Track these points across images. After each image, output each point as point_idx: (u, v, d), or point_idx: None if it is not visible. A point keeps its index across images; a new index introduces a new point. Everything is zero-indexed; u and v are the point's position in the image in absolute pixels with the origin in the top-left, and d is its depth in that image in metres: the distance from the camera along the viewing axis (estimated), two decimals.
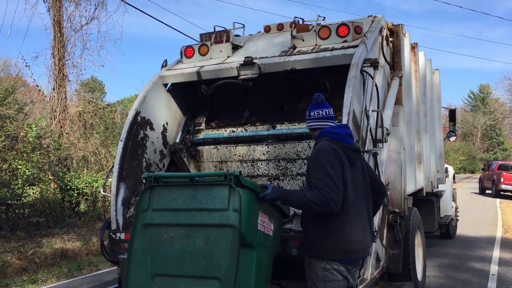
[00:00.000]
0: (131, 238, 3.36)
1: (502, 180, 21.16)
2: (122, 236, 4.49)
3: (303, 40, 5.22)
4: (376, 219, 4.23)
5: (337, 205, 3.10)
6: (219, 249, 3.06)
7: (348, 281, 3.31)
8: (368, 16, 5.80)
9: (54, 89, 14.26)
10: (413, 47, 7.16)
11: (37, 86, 15.56)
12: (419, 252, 6.11)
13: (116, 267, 4.86)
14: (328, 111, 3.51)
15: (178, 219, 3.26)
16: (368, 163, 3.90)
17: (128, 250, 3.37)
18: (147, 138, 5.22)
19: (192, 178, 3.35)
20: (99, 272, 8.47)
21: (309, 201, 3.12)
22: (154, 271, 3.20)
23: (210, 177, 3.36)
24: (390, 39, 5.94)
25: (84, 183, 12.67)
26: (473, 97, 70.26)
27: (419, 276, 5.96)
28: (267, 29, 6.13)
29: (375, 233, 4.14)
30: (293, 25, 5.48)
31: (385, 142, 4.85)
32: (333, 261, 3.23)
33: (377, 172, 4.38)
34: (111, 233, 4.56)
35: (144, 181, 3.51)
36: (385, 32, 5.69)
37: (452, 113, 11.23)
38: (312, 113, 3.51)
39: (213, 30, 5.78)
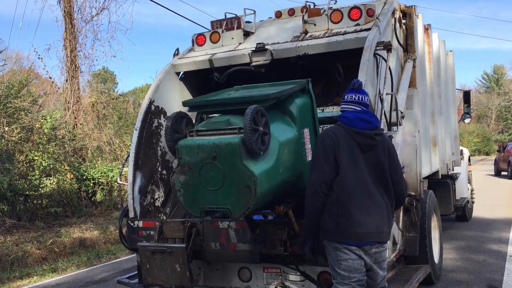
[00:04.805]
0: None
1: None
2: (140, 224, 4.53)
3: (314, 25, 5.18)
4: None
5: (321, 186, 3.25)
6: None
7: (364, 261, 3.29)
8: None
9: (67, 80, 14.36)
10: (427, 28, 7.07)
11: (50, 78, 15.69)
12: (435, 235, 6.10)
13: (134, 255, 4.92)
14: (361, 96, 3.52)
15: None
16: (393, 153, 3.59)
17: None
18: (161, 127, 5.24)
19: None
20: (118, 260, 8.60)
21: (306, 207, 3.34)
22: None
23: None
24: (403, 21, 5.85)
25: (99, 173, 12.80)
26: (487, 78, 69.21)
27: (436, 258, 5.96)
28: (278, 14, 6.08)
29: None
30: (304, 10, 5.43)
31: (400, 125, 4.81)
32: (341, 243, 3.25)
33: None
34: (129, 221, 4.60)
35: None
36: (398, 14, 5.62)
37: (466, 95, 11.09)
38: (345, 96, 3.56)
39: (224, 17, 5.76)
